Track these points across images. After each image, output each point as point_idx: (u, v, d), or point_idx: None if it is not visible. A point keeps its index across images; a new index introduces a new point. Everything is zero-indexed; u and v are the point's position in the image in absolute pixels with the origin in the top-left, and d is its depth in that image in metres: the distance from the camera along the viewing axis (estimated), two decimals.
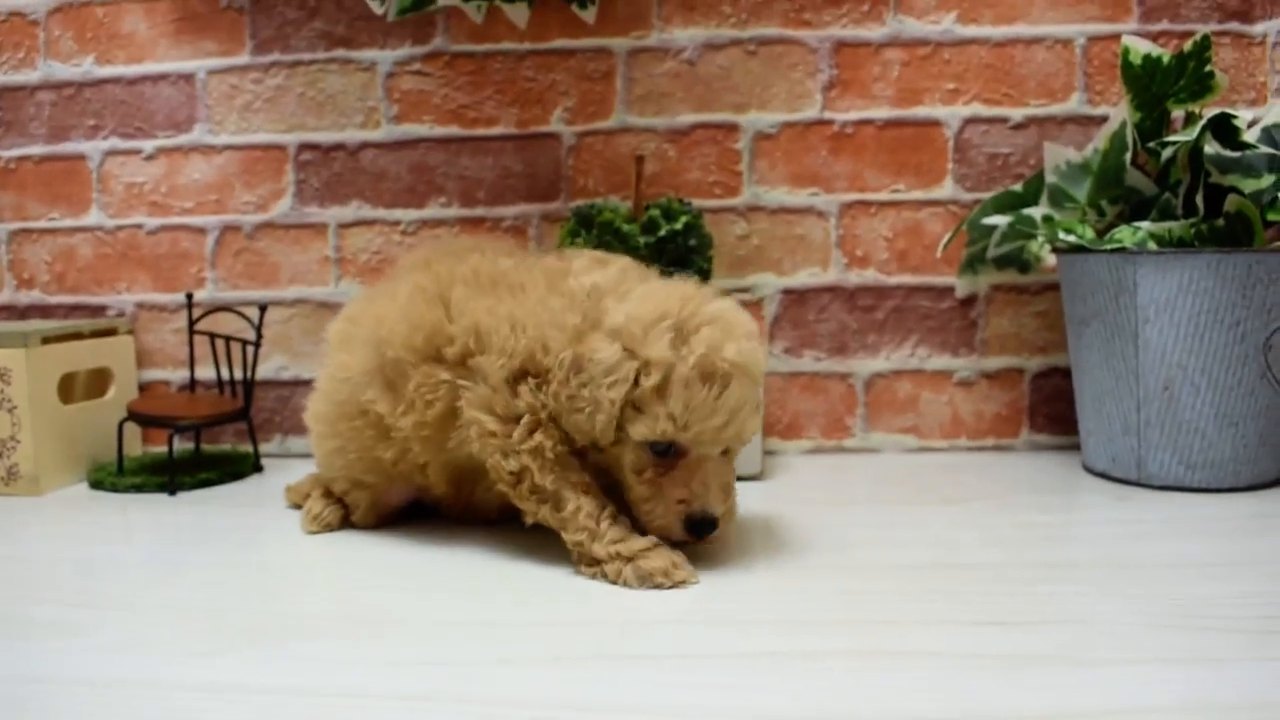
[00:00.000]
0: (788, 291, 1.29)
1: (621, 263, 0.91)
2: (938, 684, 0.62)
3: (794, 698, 0.61)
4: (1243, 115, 1.05)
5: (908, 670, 0.64)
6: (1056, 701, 0.59)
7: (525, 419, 0.84)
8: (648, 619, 0.74)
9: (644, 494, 0.83)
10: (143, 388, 1.36)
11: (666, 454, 0.82)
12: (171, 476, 1.15)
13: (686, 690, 0.62)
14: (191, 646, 0.71)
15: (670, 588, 0.80)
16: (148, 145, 1.34)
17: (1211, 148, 1.05)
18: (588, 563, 0.83)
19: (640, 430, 0.80)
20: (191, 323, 1.27)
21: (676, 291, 0.84)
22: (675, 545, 0.83)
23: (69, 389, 1.24)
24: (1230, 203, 1.04)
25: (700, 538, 0.83)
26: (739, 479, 1.13)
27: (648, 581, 0.80)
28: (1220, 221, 1.04)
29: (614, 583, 0.81)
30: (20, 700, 0.63)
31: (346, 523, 1.00)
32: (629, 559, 0.81)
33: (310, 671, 0.66)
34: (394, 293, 0.93)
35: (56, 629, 0.75)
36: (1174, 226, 1.05)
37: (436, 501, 0.99)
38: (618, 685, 0.63)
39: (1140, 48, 1.08)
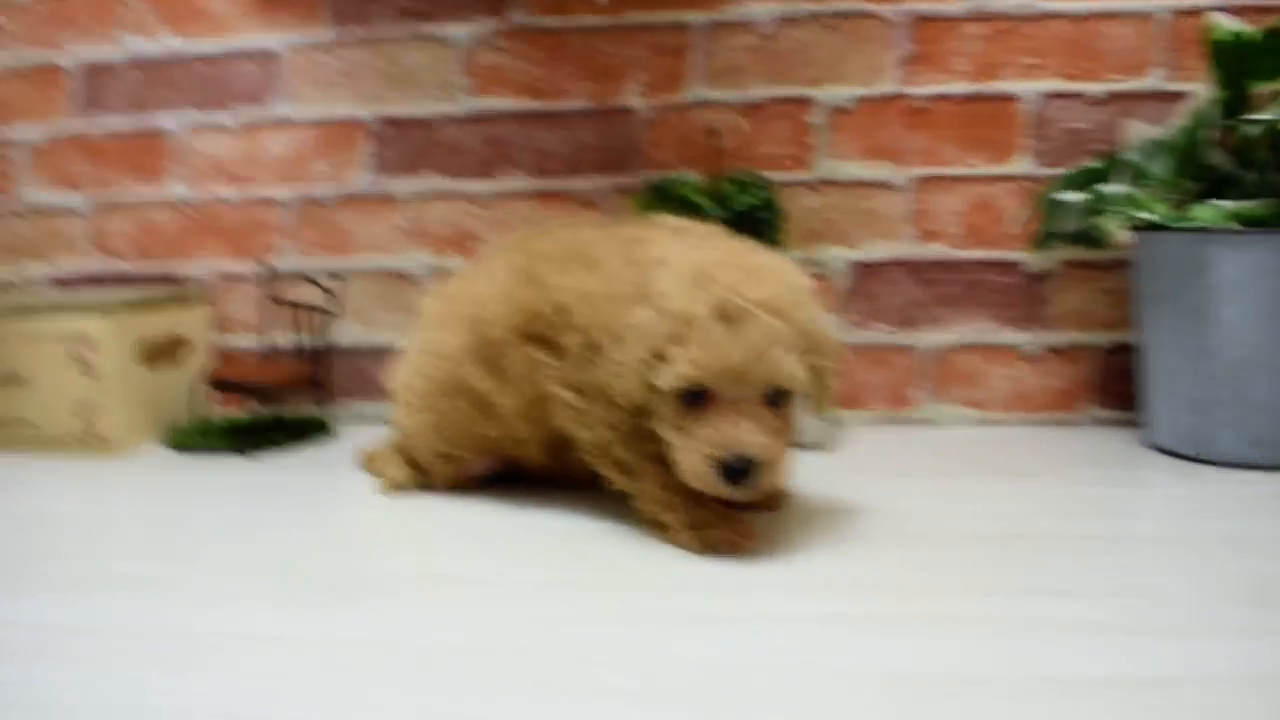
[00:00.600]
0: (858, 264, 1.30)
1: (702, 230, 0.91)
2: (1000, 648, 0.65)
3: (863, 658, 0.64)
4: None
5: (971, 635, 0.67)
6: (1114, 668, 0.61)
7: (598, 392, 0.86)
8: (722, 584, 0.77)
9: (677, 443, 0.81)
10: (220, 353, 1.40)
11: (697, 401, 0.79)
12: (250, 439, 1.19)
13: (759, 652, 0.65)
14: (276, 600, 0.74)
15: (734, 556, 0.82)
16: (228, 119, 1.36)
17: None
18: (660, 529, 0.86)
19: (665, 378, 0.79)
20: (271, 292, 1.30)
21: (723, 247, 0.84)
22: (732, 507, 0.84)
23: (149, 354, 1.28)
24: None
25: (739, 483, 0.78)
26: (802, 448, 1.15)
27: (712, 550, 0.82)
28: None
29: (683, 549, 0.84)
30: (118, 649, 0.67)
31: (421, 487, 1.03)
32: (696, 529, 0.84)
33: (390, 626, 0.69)
34: (492, 272, 0.95)
35: (148, 583, 0.79)
36: (1253, 206, 1.06)
37: (532, 469, 1.02)
38: (690, 644, 0.66)
39: (1227, 24, 1.08)
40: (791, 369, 0.79)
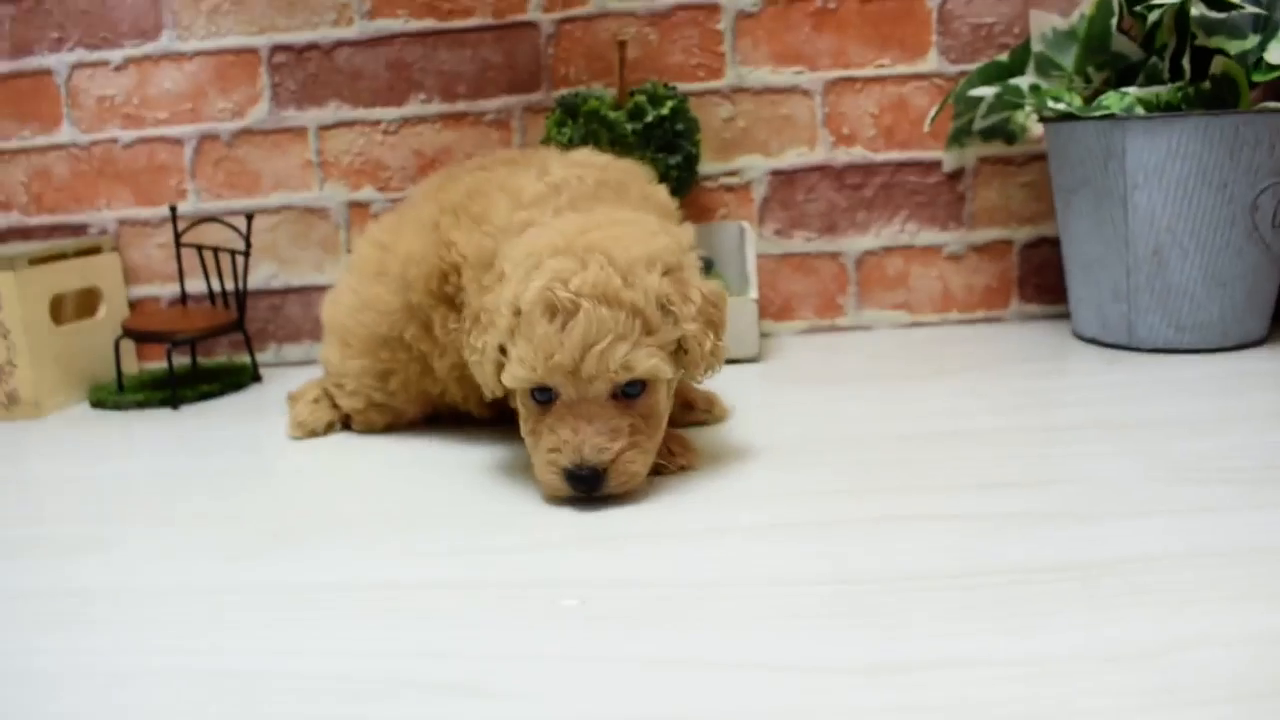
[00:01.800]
0: (776, 173, 1.28)
1: (578, 185, 0.84)
2: (953, 543, 0.65)
3: (818, 563, 0.63)
4: None
5: (924, 533, 0.67)
6: (1064, 554, 0.62)
7: None
8: (671, 499, 0.76)
9: (529, 445, 0.77)
10: (132, 304, 1.36)
11: (545, 400, 0.75)
12: (174, 391, 1.16)
13: (715, 564, 0.65)
14: (225, 551, 0.72)
15: (673, 473, 0.81)
16: (115, 55, 1.30)
17: (1197, 9, 1.04)
18: None
19: (505, 376, 0.75)
20: (178, 236, 1.26)
21: (571, 224, 0.77)
22: (671, 426, 0.81)
23: (58, 310, 1.23)
24: (1216, 65, 1.03)
25: (588, 492, 0.74)
26: (735, 361, 1.15)
27: (654, 472, 0.79)
28: (1207, 84, 1.04)
29: None
30: (65, 613, 0.64)
31: (343, 426, 1.01)
32: None
33: (343, 567, 0.68)
34: (420, 222, 0.91)
35: (90, 544, 0.76)
36: (1161, 91, 1.05)
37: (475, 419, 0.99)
38: (649, 560, 0.66)
39: None
40: (630, 361, 0.72)
